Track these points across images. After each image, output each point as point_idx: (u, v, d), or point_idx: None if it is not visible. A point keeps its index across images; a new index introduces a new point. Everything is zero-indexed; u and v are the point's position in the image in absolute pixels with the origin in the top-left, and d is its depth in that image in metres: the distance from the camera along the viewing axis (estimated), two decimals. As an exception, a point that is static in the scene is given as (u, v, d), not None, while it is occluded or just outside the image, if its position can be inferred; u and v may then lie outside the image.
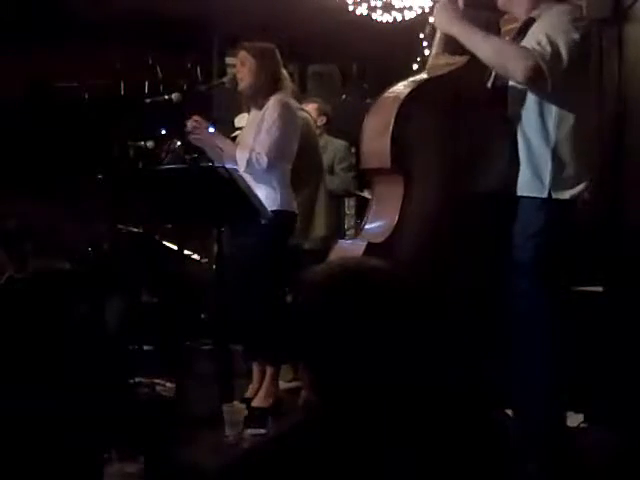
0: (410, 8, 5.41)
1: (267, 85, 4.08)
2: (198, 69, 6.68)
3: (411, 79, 3.16)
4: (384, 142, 2.99)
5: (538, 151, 3.02)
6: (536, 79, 2.91)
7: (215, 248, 4.13)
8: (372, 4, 5.45)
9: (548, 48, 2.91)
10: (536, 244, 3.00)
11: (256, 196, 3.75)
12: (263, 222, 3.80)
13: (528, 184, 3.04)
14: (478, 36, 3.01)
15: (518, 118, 3.06)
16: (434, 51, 3.20)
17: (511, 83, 3.09)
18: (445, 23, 3.11)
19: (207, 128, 4.07)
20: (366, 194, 5.27)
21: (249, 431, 3.56)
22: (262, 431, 3.58)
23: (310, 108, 5.19)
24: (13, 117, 5.73)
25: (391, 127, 2.98)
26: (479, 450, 1.43)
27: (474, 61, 3.05)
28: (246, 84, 4.11)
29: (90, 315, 3.83)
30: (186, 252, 5.18)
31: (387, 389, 1.40)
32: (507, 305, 3.01)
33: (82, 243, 4.80)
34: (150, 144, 5.25)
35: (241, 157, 3.97)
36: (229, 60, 6.15)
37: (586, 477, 3.09)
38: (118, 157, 5.52)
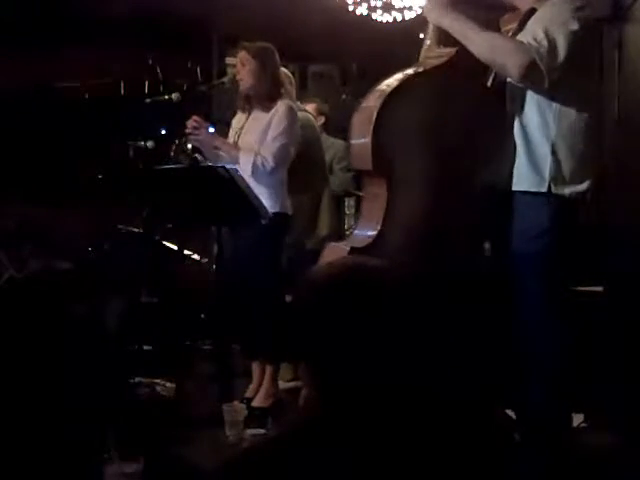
0: (410, 8, 5.41)
1: (269, 86, 4.08)
2: (198, 69, 6.68)
3: (397, 75, 3.01)
4: (365, 144, 2.90)
5: (538, 146, 2.96)
6: (531, 76, 2.84)
7: (215, 248, 4.13)
8: (372, 4, 5.44)
9: (545, 43, 2.82)
10: (538, 243, 2.96)
11: (256, 196, 3.75)
12: (263, 222, 3.81)
13: (527, 178, 2.97)
14: (471, 29, 2.91)
15: (517, 113, 3.00)
16: (427, 43, 3.09)
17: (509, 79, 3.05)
18: (436, 15, 3.00)
19: (207, 128, 4.07)
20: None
21: (249, 431, 3.57)
22: (262, 431, 3.59)
23: (309, 108, 5.19)
24: (13, 117, 5.72)
25: (371, 128, 2.87)
26: (481, 449, 1.43)
27: (463, 53, 2.93)
28: (247, 85, 4.10)
29: (90, 315, 3.83)
30: (186, 252, 5.19)
31: (388, 388, 1.40)
32: (508, 305, 3.00)
33: (82, 243, 4.80)
34: (150, 144, 5.25)
35: (245, 161, 3.96)
36: (229, 60, 6.14)
37: (586, 477, 3.09)
38: (118, 157, 5.52)
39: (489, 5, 3.21)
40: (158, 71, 6.48)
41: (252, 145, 4.03)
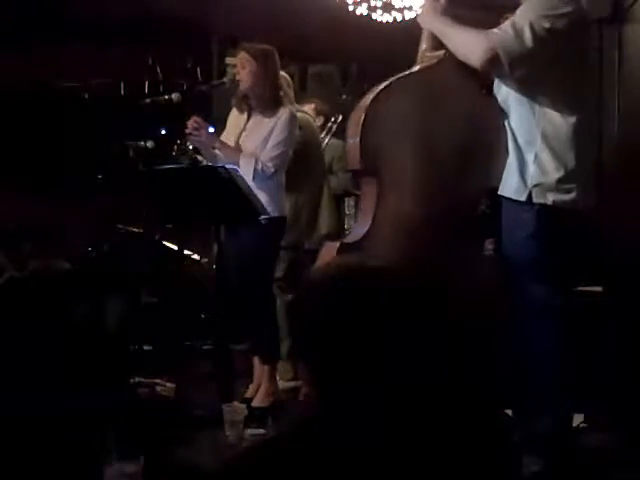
0: (410, 8, 5.40)
1: (269, 89, 4.07)
2: (198, 69, 6.67)
3: (391, 78, 3.10)
4: (355, 144, 2.99)
5: (524, 153, 2.95)
6: (491, 64, 2.84)
7: (215, 248, 4.13)
8: (372, 4, 5.44)
9: (510, 31, 2.83)
10: (523, 247, 2.95)
11: (256, 196, 3.76)
12: (263, 223, 3.82)
13: (511, 185, 2.97)
14: (449, 29, 2.97)
15: (507, 118, 3.01)
16: (422, 47, 3.16)
17: (496, 81, 3.05)
18: (427, 19, 3.09)
19: (207, 129, 4.07)
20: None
21: (249, 431, 3.57)
22: (262, 431, 3.59)
23: (307, 109, 5.19)
24: (13, 117, 5.73)
25: (360, 129, 2.96)
26: (481, 449, 1.43)
27: (451, 56, 3.00)
28: (247, 86, 4.09)
29: (90, 315, 3.83)
30: (186, 252, 5.19)
31: (387, 388, 1.40)
32: (507, 306, 3.00)
33: (82, 243, 4.81)
34: (150, 144, 5.25)
35: (246, 165, 3.96)
36: (229, 60, 6.13)
37: (586, 477, 3.09)
38: (118, 157, 5.52)
39: (488, 5, 3.23)
40: (158, 71, 6.48)
41: (253, 150, 4.04)
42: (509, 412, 3.11)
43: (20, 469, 2.49)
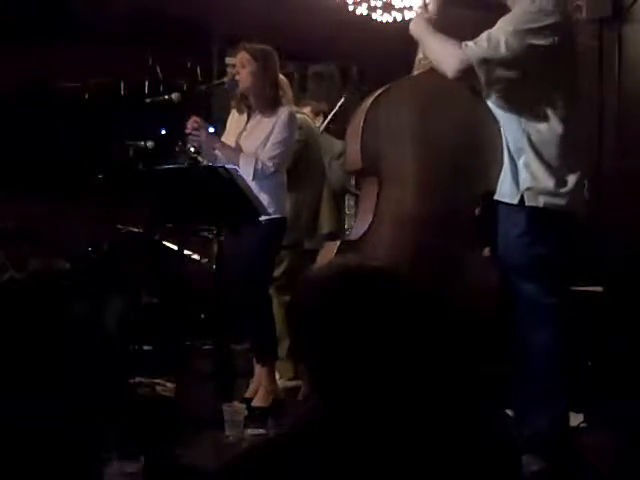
0: (410, 8, 5.40)
1: (268, 89, 4.08)
2: (198, 69, 6.67)
3: (390, 83, 3.24)
4: (356, 145, 3.10)
5: (516, 158, 2.97)
6: (464, 76, 2.86)
7: (215, 248, 4.13)
8: (372, 4, 5.43)
9: (484, 44, 2.84)
10: (516, 248, 2.97)
11: (256, 197, 3.76)
12: (264, 223, 3.83)
13: (505, 189, 3.00)
14: (429, 37, 3.04)
15: (501, 124, 3.04)
16: (419, 56, 3.27)
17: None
18: (412, 27, 3.17)
19: (207, 129, 4.07)
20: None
21: (249, 431, 3.57)
22: (262, 431, 3.58)
23: (305, 111, 5.19)
24: (13, 117, 5.73)
25: (360, 131, 3.08)
26: (481, 449, 1.43)
27: None
28: (246, 86, 4.09)
29: (90, 315, 3.83)
30: (186, 252, 5.18)
31: (387, 388, 1.40)
32: (506, 306, 3.00)
33: (82, 243, 4.80)
34: (150, 144, 5.25)
35: (246, 165, 3.96)
36: (229, 60, 6.13)
37: (586, 477, 3.09)
38: (118, 157, 5.52)
39: (483, 5, 3.26)
40: (158, 71, 6.48)
41: (253, 150, 4.04)
42: (509, 412, 3.11)
43: (20, 469, 2.49)
